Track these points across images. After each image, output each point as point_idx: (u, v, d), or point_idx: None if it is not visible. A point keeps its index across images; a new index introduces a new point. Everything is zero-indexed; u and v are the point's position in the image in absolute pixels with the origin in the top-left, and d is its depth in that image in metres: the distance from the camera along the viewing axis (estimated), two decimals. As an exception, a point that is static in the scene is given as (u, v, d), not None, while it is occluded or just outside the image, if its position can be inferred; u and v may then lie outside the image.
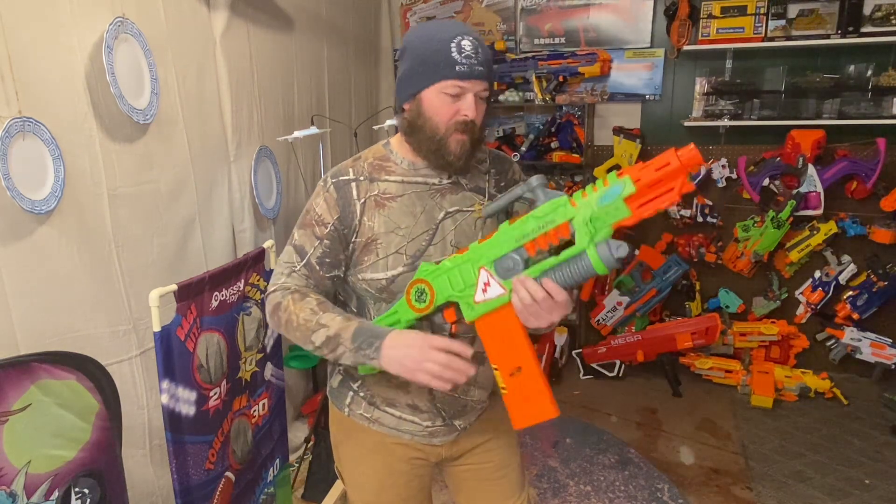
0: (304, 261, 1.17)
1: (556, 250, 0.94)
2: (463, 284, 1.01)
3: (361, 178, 1.16)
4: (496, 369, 1.02)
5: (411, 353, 1.02)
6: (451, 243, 1.15)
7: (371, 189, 1.15)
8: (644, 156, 3.28)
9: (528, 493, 1.41)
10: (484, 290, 0.98)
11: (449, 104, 1.08)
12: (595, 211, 0.88)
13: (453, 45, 1.05)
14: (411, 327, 1.10)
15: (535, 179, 0.96)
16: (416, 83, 1.09)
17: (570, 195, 0.91)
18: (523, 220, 0.96)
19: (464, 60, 1.05)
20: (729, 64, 3.13)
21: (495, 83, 3.38)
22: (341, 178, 1.16)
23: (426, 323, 1.13)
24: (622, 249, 0.87)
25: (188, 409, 1.50)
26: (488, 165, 1.23)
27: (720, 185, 3.22)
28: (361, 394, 1.24)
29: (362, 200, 1.14)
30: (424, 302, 1.05)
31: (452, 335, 1.07)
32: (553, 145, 3.40)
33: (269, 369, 1.87)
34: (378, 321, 1.12)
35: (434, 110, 1.08)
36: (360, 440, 1.28)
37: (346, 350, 1.06)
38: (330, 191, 1.16)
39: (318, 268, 1.16)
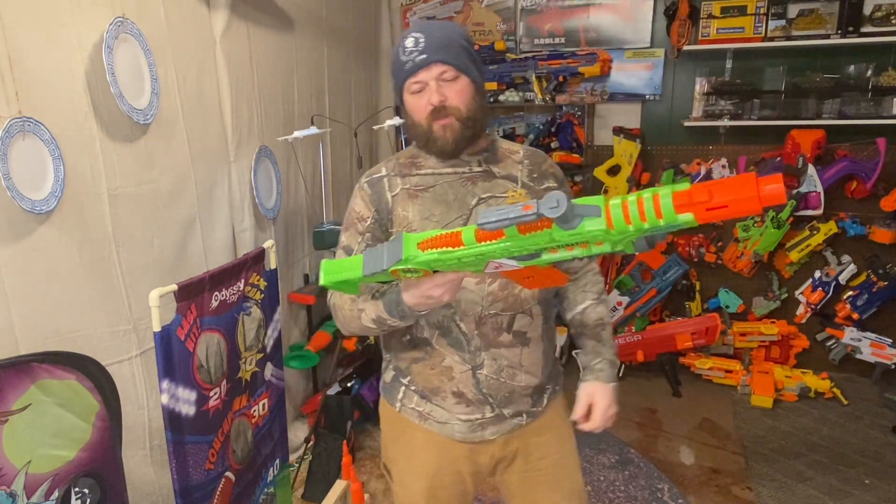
0: (348, 257, 1.20)
1: None
2: (461, 267, 0.94)
3: (393, 173, 1.23)
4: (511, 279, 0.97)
5: (422, 293, 1.02)
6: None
7: (403, 183, 1.22)
8: (644, 156, 3.28)
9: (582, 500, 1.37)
10: (497, 268, 0.93)
11: (418, 99, 1.14)
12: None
13: (400, 48, 1.14)
14: None
15: (553, 199, 0.80)
16: (395, 93, 1.20)
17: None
18: (525, 241, 0.86)
19: (406, 58, 1.12)
20: (729, 64, 3.13)
21: (497, 83, 3.38)
22: (374, 176, 1.25)
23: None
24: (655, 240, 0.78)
25: (188, 409, 1.50)
26: (521, 156, 1.27)
27: (720, 185, 3.22)
28: (413, 388, 1.26)
29: (394, 193, 1.21)
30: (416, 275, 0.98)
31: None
32: (553, 145, 3.40)
33: (269, 369, 1.87)
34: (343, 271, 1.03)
35: (412, 109, 1.17)
36: (411, 438, 1.29)
37: (393, 322, 1.12)
38: (364, 189, 1.24)
39: None
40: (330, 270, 1.02)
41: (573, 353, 3.42)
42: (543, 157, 1.30)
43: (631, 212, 0.74)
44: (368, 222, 1.22)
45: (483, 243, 0.89)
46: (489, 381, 1.21)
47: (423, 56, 1.11)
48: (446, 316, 1.18)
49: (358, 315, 1.17)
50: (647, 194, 0.73)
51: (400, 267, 0.94)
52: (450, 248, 0.92)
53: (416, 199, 1.20)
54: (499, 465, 1.32)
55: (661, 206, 0.72)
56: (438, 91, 1.12)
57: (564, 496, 1.34)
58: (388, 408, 1.33)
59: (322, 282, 1.02)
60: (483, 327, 1.18)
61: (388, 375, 1.33)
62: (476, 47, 3.45)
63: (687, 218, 0.71)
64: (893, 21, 2.79)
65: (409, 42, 1.12)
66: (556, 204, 0.75)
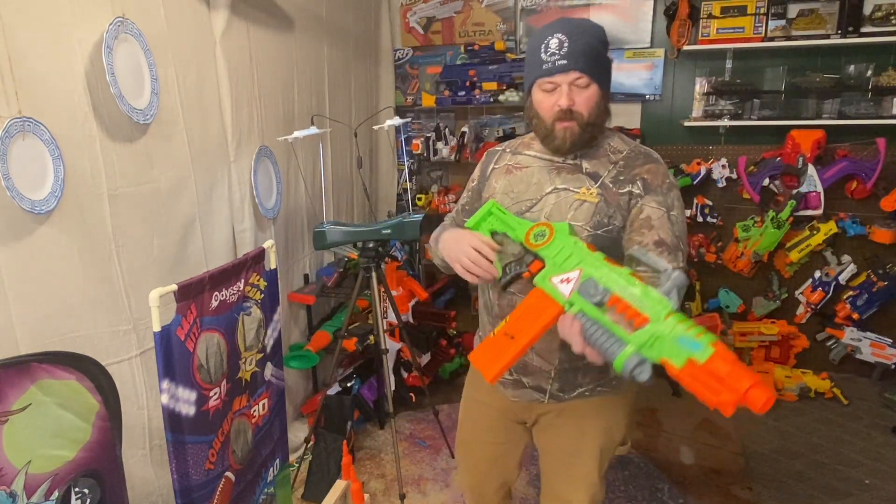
0: (458, 207, 1.50)
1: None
2: (561, 262, 1.10)
3: (508, 150, 1.42)
4: (504, 322, 1.12)
5: (455, 245, 1.24)
6: (545, 215, 1.28)
7: (511, 160, 1.39)
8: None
9: (595, 498, 1.44)
10: (562, 281, 1.07)
11: (548, 98, 1.23)
12: (668, 339, 0.90)
13: (542, 45, 1.20)
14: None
15: (678, 277, 0.95)
16: (526, 83, 1.29)
17: (675, 311, 0.93)
18: (634, 285, 0.98)
19: (549, 59, 1.19)
20: (729, 64, 3.13)
21: (497, 83, 3.38)
22: (495, 148, 1.46)
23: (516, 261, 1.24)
24: (642, 375, 0.91)
25: (188, 409, 1.50)
26: (620, 157, 1.29)
27: (720, 185, 3.22)
28: (479, 332, 1.50)
29: (498, 166, 1.40)
30: (539, 241, 1.16)
31: (524, 277, 1.18)
32: (553, 145, 3.39)
33: (269, 369, 1.87)
34: (506, 218, 1.26)
35: (539, 104, 1.26)
36: (472, 377, 1.55)
37: (435, 246, 1.34)
38: (485, 157, 1.46)
39: (461, 212, 1.47)
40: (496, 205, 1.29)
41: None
42: (644, 162, 1.27)
43: (686, 323, 0.90)
44: (474, 184, 1.46)
45: (596, 254, 1.07)
46: None
47: (564, 62, 1.18)
48: (486, 281, 1.30)
49: (436, 237, 1.40)
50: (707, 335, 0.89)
51: (538, 229, 1.16)
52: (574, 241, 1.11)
53: (509, 175, 1.36)
54: (526, 423, 1.47)
55: (702, 333, 0.88)
56: (569, 95, 1.20)
57: (567, 479, 1.45)
58: None
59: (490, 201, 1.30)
60: (502, 300, 1.33)
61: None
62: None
63: (697, 349, 0.86)
64: (893, 21, 2.79)
65: (554, 43, 1.18)
66: (678, 276, 0.94)
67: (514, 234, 1.23)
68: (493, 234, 1.28)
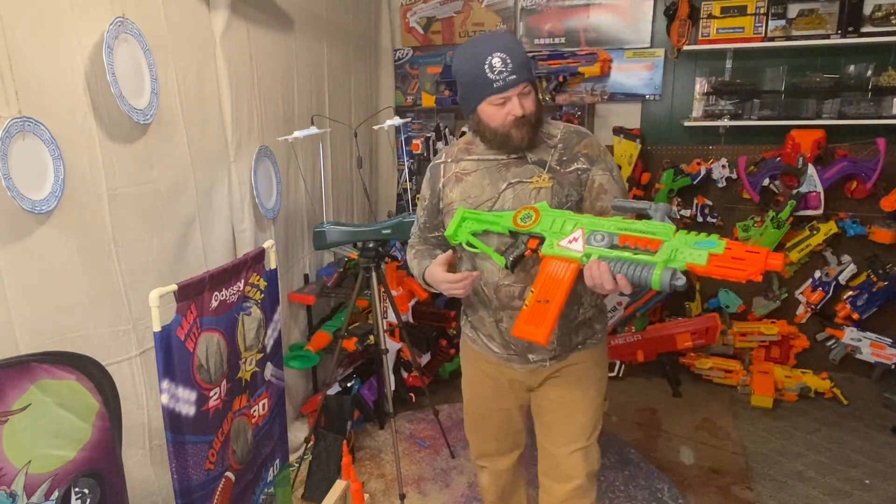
0: (418, 226, 1.63)
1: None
2: (559, 230, 1.24)
3: (449, 160, 1.51)
4: (532, 292, 1.24)
5: (440, 287, 1.43)
6: (508, 209, 1.38)
7: (455, 168, 1.48)
8: (644, 156, 3.28)
9: (589, 455, 1.55)
10: (570, 242, 1.20)
11: (499, 110, 1.34)
12: (686, 247, 1.07)
13: (486, 66, 1.30)
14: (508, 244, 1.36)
15: (663, 206, 1.16)
16: (469, 103, 1.38)
17: (679, 229, 1.12)
18: (633, 224, 1.16)
19: (497, 77, 1.30)
20: (729, 64, 3.13)
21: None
22: (435, 162, 1.54)
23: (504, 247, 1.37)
24: (680, 281, 1.05)
25: (188, 409, 1.50)
26: (557, 140, 1.42)
27: (720, 185, 3.22)
28: (469, 319, 1.60)
29: (446, 176, 1.49)
30: (527, 222, 1.29)
31: (526, 257, 1.33)
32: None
33: (269, 369, 1.87)
34: (482, 217, 1.39)
35: (489, 118, 1.36)
36: (467, 354, 1.66)
37: (424, 286, 1.52)
38: (428, 174, 1.55)
39: (424, 231, 1.61)
40: (471, 213, 1.40)
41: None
42: (579, 139, 1.43)
43: (689, 236, 1.09)
44: (427, 202, 1.55)
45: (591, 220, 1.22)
46: (508, 332, 1.45)
47: (514, 77, 1.30)
48: (476, 280, 1.44)
49: (418, 274, 1.53)
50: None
51: (523, 213, 1.30)
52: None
53: (460, 182, 1.46)
54: (532, 388, 1.58)
55: (707, 239, 1.07)
56: (521, 105, 1.32)
57: (566, 440, 1.55)
58: (463, 334, 1.67)
59: (463, 209, 1.40)
60: (499, 293, 1.44)
61: (462, 311, 1.65)
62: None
63: (713, 245, 1.05)
64: (893, 21, 2.79)
65: (498, 62, 1.29)
66: (663, 205, 1.15)
67: (497, 228, 1.34)
68: (475, 234, 1.39)
